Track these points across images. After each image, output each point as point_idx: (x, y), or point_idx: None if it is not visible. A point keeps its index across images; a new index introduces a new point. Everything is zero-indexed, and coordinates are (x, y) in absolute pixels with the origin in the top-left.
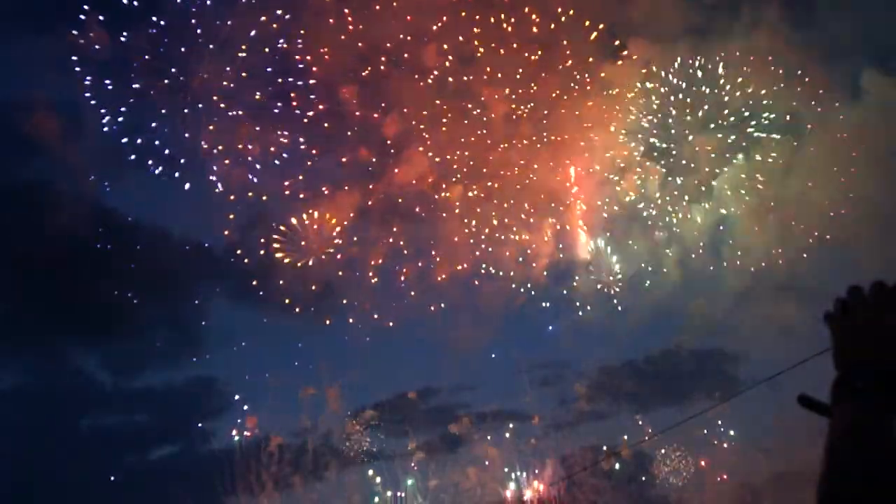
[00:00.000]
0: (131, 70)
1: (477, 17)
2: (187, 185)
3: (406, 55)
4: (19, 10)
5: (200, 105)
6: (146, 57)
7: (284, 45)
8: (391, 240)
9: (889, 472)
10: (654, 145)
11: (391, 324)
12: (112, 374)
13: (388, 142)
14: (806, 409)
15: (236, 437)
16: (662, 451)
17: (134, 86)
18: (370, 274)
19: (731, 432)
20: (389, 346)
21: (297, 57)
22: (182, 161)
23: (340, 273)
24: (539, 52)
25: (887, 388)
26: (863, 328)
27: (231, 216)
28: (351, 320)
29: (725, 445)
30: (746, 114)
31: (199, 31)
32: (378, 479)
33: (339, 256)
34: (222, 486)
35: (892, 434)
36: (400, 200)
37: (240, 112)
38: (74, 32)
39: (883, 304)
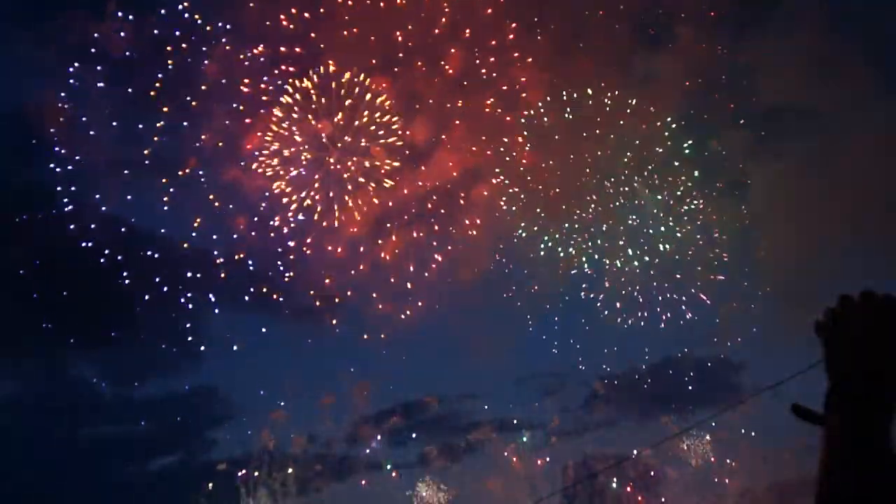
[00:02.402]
0: (141, 65)
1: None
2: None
3: (430, 48)
4: (21, 13)
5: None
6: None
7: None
8: (411, 242)
9: (883, 480)
10: (689, 139)
11: (401, 328)
12: (112, 384)
13: (412, 138)
14: (799, 418)
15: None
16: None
17: (140, 86)
18: (381, 278)
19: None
20: (391, 353)
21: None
22: (186, 166)
23: (354, 276)
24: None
25: (879, 396)
26: (853, 338)
27: (241, 221)
28: (361, 327)
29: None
30: (779, 110)
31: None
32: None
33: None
34: (236, 492)
35: (885, 442)
36: (410, 204)
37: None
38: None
39: (872, 314)
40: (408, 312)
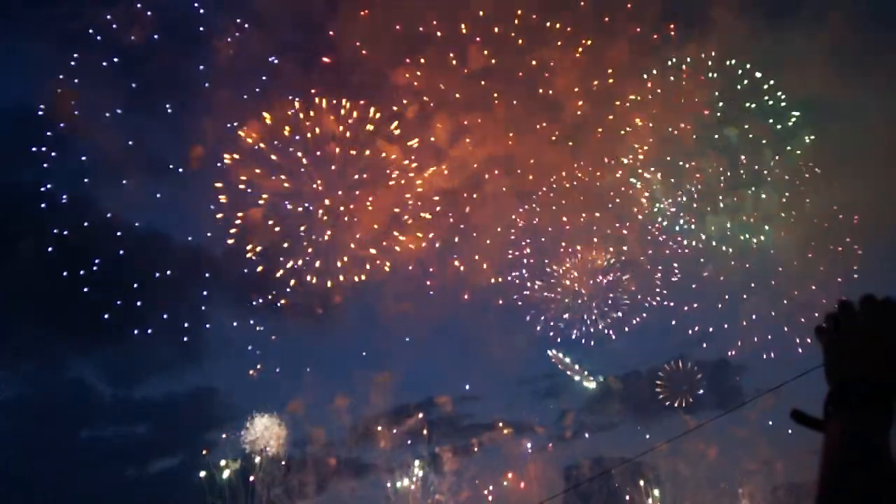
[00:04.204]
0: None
1: None
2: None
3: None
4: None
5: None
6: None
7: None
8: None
9: (882, 486)
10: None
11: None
12: (111, 385)
13: (432, 133)
14: (799, 424)
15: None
16: None
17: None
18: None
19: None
20: (401, 354)
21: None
22: (190, 164)
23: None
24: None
25: (879, 403)
26: (853, 343)
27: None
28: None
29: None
30: (805, 102)
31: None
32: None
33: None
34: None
35: (885, 449)
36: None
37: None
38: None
39: (872, 318)
40: (419, 314)
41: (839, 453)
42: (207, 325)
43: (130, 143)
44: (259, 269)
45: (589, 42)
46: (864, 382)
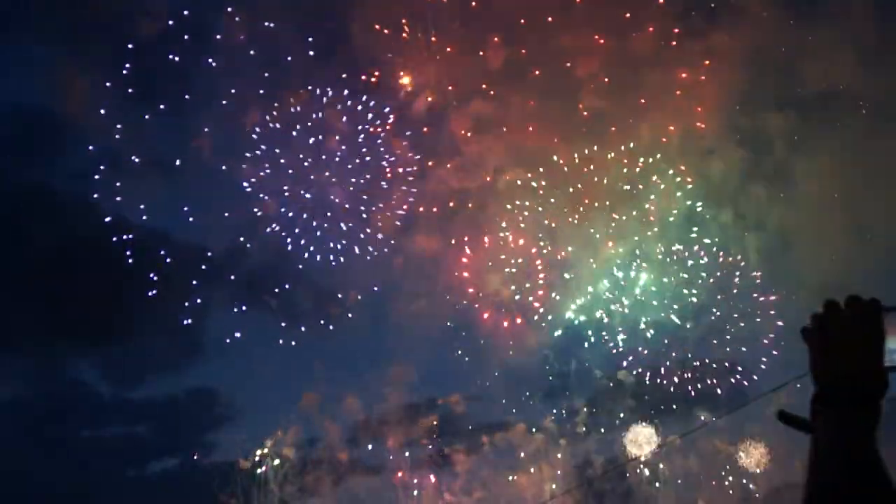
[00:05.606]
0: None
1: None
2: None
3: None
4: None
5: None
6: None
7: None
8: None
9: (866, 485)
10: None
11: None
12: (111, 385)
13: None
14: (786, 424)
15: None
16: None
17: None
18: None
19: None
20: (401, 355)
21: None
22: (186, 161)
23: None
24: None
25: (863, 401)
26: (839, 343)
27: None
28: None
29: None
30: (824, 96)
31: None
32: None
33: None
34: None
35: (869, 447)
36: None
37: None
38: None
39: (858, 319)
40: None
41: (826, 453)
42: (209, 325)
43: (132, 140)
44: (262, 267)
45: (611, 31)
46: (851, 383)
